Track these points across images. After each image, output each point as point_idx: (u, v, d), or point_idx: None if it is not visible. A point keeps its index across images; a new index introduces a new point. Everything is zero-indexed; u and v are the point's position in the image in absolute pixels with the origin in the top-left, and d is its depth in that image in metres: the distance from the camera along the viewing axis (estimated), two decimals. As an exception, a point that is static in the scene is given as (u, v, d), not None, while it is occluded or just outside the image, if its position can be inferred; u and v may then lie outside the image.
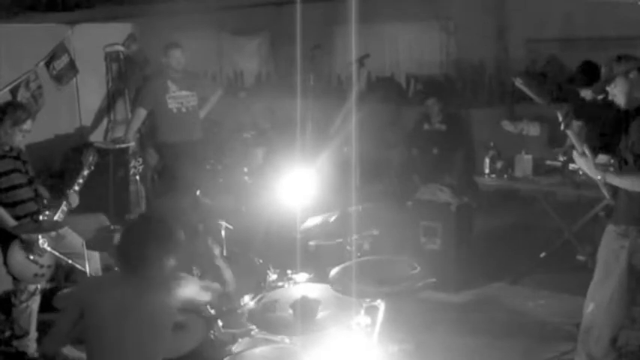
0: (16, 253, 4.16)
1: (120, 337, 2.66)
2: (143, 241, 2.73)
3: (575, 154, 3.55)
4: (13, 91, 6.67)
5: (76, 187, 4.43)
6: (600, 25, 6.57)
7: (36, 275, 4.25)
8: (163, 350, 2.74)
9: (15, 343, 4.42)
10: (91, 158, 4.50)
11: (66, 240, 4.40)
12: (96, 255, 4.39)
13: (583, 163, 3.51)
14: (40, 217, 4.24)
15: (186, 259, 4.38)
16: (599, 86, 3.57)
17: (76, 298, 2.85)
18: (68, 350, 3.01)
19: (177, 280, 2.81)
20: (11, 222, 4.17)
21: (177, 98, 6.21)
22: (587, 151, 3.48)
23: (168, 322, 2.74)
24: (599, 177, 3.44)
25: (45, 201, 4.42)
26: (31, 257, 4.19)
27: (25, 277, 4.24)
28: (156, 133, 6.49)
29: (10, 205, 4.23)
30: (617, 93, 3.47)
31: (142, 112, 6.32)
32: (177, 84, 6.20)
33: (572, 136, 3.52)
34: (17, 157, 4.34)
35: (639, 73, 3.43)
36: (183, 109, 6.23)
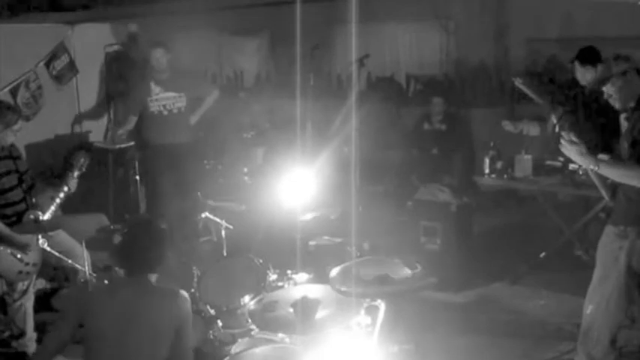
0: (2, 251, 4.11)
1: (122, 342, 2.66)
2: (145, 245, 2.89)
3: (563, 144, 3.35)
4: (13, 91, 6.67)
5: (58, 201, 4.31)
6: (600, 25, 6.56)
7: (20, 272, 4.18)
8: (164, 356, 2.74)
9: (14, 343, 4.41)
10: (82, 160, 4.44)
11: (54, 238, 4.32)
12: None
13: (574, 151, 3.33)
14: (31, 217, 4.21)
15: (187, 260, 4.42)
16: (595, 84, 3.55)
17: (77, 306, 2.85)
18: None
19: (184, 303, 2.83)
20: (6, 231, 4.13)
21: (161, 100, 6.02)
22: (574, 139, 3.31)
23: (170, 328, 2.73)
24: (592, 166, 3.32)
25: (34, 200, 4.39)
26: (19, 256, 4.16)
27: (9, 274, 4.18)
28: (139, 134, 6.41)
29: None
30: (613, 93, 3.44)
31: (132, 119, 6.22)
32: (162, 85, 6.01)
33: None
34: (8, 156, 4.30)
35: (635, 74, 3.42)
36: (165, 112, 6.04)
